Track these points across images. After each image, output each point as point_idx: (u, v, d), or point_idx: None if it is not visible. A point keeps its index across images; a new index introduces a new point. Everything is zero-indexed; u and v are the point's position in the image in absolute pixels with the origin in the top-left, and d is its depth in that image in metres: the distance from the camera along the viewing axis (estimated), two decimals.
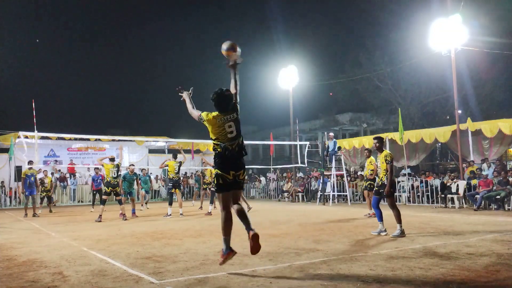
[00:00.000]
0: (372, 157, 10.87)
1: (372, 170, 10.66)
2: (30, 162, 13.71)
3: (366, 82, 28.80)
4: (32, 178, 13.41)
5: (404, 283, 4.10)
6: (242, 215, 4.63)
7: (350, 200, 16.41)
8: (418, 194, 15.11)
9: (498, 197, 12.18)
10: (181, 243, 6.88)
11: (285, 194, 19.86)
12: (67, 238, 7.98)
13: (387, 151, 7.54)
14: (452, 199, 13.60)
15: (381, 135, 18.84)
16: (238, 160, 4.73)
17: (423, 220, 9.70)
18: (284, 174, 22.59)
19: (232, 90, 4.88)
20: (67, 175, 20.97)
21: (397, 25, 26.43)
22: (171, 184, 12.25)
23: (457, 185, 13.62)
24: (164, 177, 22.77)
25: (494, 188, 12.42)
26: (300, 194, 18.96)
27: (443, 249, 5.80)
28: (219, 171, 4.69)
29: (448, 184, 13.96)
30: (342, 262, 5.10)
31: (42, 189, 14.86)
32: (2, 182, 19.19)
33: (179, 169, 12.21)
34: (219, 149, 4.70)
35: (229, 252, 4.61)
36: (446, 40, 14.70)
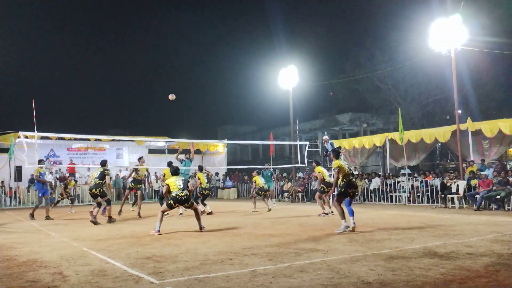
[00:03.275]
0: (319, 167, 11.67)
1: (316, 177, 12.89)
2: None
3: (366, 82, 28.82)
4: None
5: (404, 283, 4.10)
6: (196, 215, 8.66)
7: None
8: (418, 194, 15.10)
9: (498, 197, 12.17)
10: (181, 243, 6.88)
11: (285, 194, 19.86)
12: (67, 238, 7.98)
13: (337, 161, 8.17)
14: (452, 199, 13.59)
15: (381, 135, 18.89)
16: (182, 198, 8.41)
17: (423, 220, 9.70)
18: (284, 174, 22.56)
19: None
20: (67, 175, 20.95)
21: (397, 25, 26.54)
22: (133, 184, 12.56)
23: (457, 185, 13.61)
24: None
25: (494, 188, 12.41)
26: (300, 194, 18.96)
27: (443, 249, 5.80)
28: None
29: (448, 184, 13.95)
30: (342, 262, 5.10)
31: (66, 195, 15.02)
32: (2, 182, 19.19)
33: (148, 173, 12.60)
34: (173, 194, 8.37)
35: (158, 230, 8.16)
36: (446, 40, 14.68)
